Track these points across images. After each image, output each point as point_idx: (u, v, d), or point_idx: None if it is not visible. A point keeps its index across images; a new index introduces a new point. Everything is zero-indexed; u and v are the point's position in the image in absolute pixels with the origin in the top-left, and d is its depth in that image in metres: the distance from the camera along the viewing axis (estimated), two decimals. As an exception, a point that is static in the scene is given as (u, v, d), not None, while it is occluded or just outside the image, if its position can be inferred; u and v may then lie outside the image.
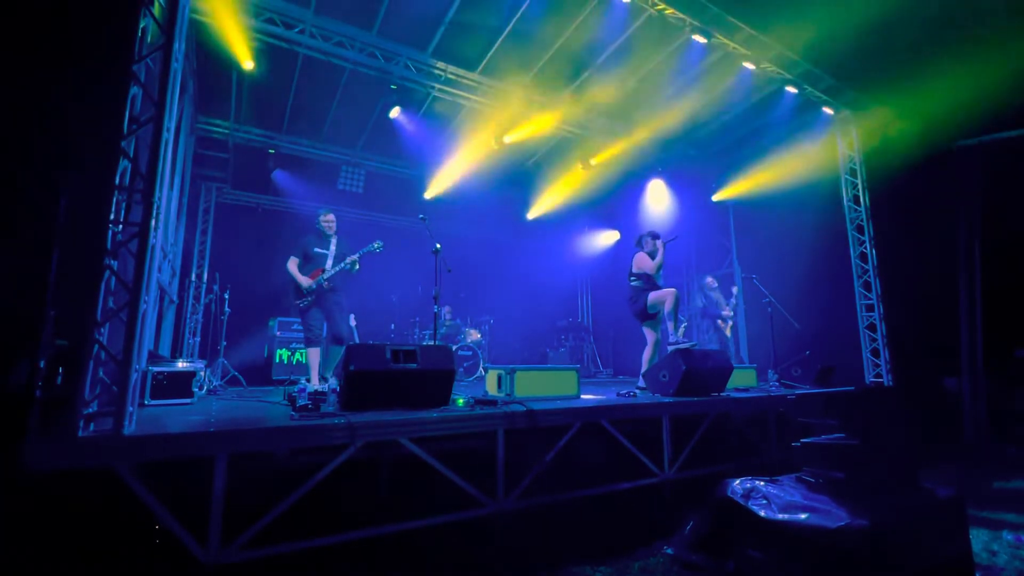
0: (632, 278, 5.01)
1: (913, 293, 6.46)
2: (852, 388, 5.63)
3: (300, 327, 7.20)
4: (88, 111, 2.77)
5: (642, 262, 4.99)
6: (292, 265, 4.76)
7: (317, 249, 4.82)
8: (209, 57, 5.75)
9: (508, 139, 7.43)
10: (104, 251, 2.27)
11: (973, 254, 6.11)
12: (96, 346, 2.19)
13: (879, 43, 5.42)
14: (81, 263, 2.32)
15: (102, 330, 2.23)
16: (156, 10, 2.67)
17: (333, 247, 4.88)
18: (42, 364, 2.48)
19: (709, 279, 7.82)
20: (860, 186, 6.96)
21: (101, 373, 2.26)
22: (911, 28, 5.21)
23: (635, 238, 5.25)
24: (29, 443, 1.89)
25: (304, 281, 4.66)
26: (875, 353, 6.60)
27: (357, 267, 4.81)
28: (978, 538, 3.02)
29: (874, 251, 6.75)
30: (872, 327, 6.65)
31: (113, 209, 2.35)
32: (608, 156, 8.30)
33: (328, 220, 4.97)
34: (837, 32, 5.38)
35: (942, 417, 5.89)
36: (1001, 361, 5.84)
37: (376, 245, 4.88)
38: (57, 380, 2.50)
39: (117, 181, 2.39)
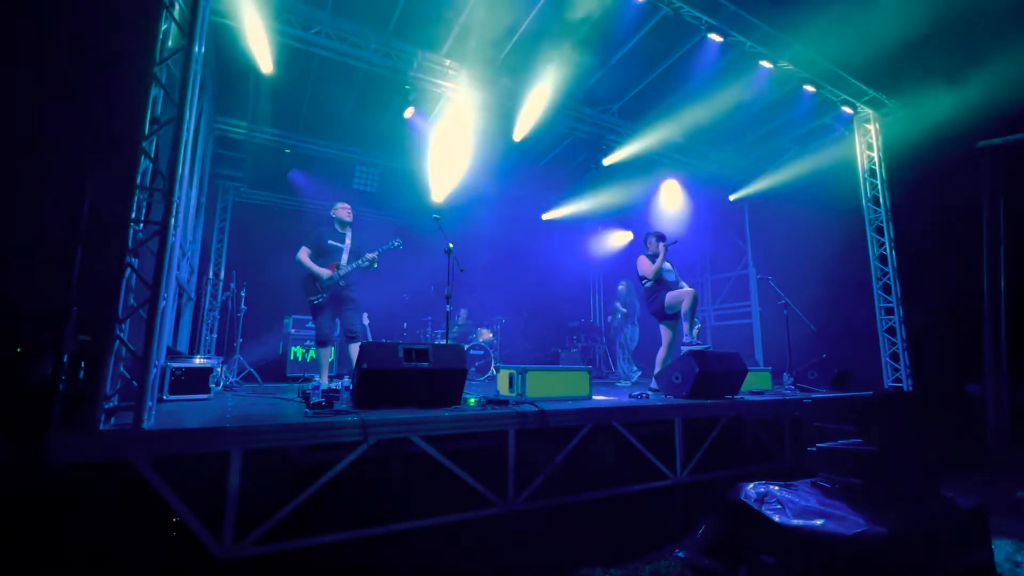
0: (643, 280, 5.01)
1: (934, 296, 6.31)
2: (870, 393, 5.52)
3: (314, 325, 7.36)
4: (111, 112, 2.84)
5: (643, 266, 5.00)
6: (304, 255, 4.59)
7: (331, 241, 4.70)
8: (228, 59, 5.84)
9: (521, 138, 7.42)
10: (126, 249, 2.33)
11: (997, 256, 5.94)
12: (117, 342, 2.24)
13: (900, 41, 5.31)
14: (103, 261, 2.38)
15: (123, 326, 2.28)
16: (177, 13, 2.72)
17: (348, 240, 4.77)
18: (65, 359, 2.54)
19: (623, 285, 7.83)
20: (880, 187, 6.82)
21: (122, 368, 2.31)
22: (932, 25, 5.10)
23: (643, 237, 5.22)
24: (52, 435, 1.94)
25: (322, 271, 4.50)
26: (894, 357, 6.46)
27: (376, 265, 4.71)
28: (1001, 548, 2.94)
29: (894, 253, 6.60)
30: (891, 331, 6.51)
31: (134, 208, 2.40)
32: (622, 155, 8.24)
33: (344, 207, 4.80)
34: (857, 30, 5.28)
35: (964, 424, 5.75)
36: (1026, 367, 5.68)
37: (396, 243, 4.76)
38: (79, 374, 2.57)
39: (138, 181, 2.44)
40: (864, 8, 5.03)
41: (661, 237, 5.07)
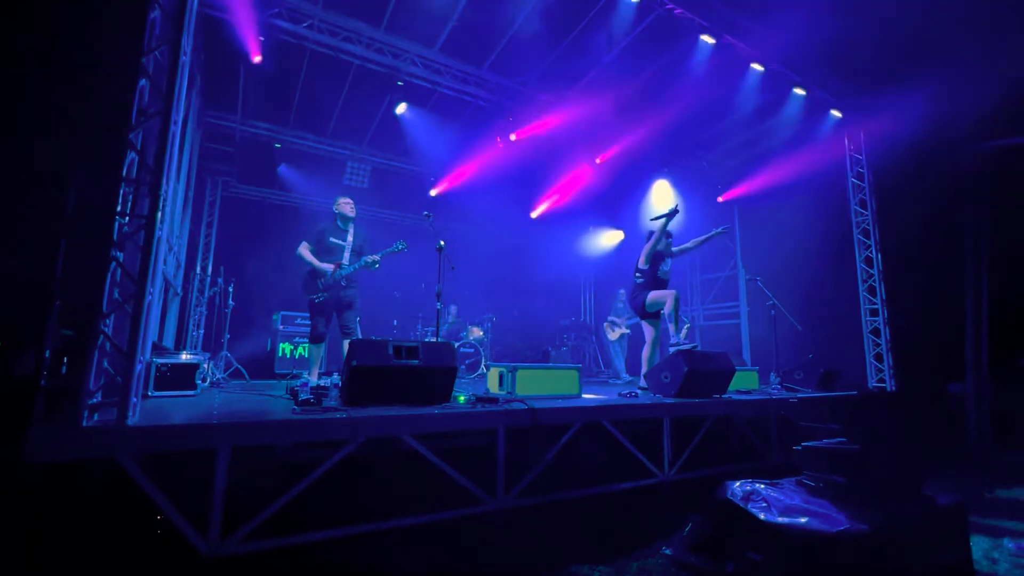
0: (636, 274, 4.97)
1: (918, 298, 6.43)
2: (855, 393, 5.61)
3: (303, 321, 7.29)
4: (97, 103, 2.78)
5: (641, 255, 4.91)
6: (305, 250, 4.57)
7: (333, 239, 4.65)
8: (217, 51, 5.77)
9: (514, 137, 7.42)
10: (111, 242, 2.28)
11: (980, 259, 6.06)
12: (101, 337, 2.20)
13: (888, 46, 5.39)
14: (88, 254, 2.33)
15: (107, 321, 2.24)
16: (165, 3, 2.68)
17: (351, 237, 4.72)
18: (48, 354, 2.50)
19: (622, 291, 8.34)
20: (867, 190, 6.92)
21: (106, 364, 2.27)
22: (920, 31, 5.18)
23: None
24: (34, 432, 1.91)
25: (324, 266, 4.48)
26: (878, 358, 6.57)
27: (377, 266, 4.68)
28: (979, 545, 3.01)
29: (879, 255, 6.71)
30: (876, 332, 6.62)
31: (120, 201, 2.36)
32: (614, 155, 8.28)
33: (347, 202, 4.75)
34: (847, 35, 5.35)
35: (945, 423, 5.87)
36: (1006, 368, 5.81)
37: (400, 245, 4.72)
38: (62, 370, 2.52)
39: (124, 173, 2.40)
40: (856, 14, 5.10)
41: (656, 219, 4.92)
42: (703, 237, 5.12)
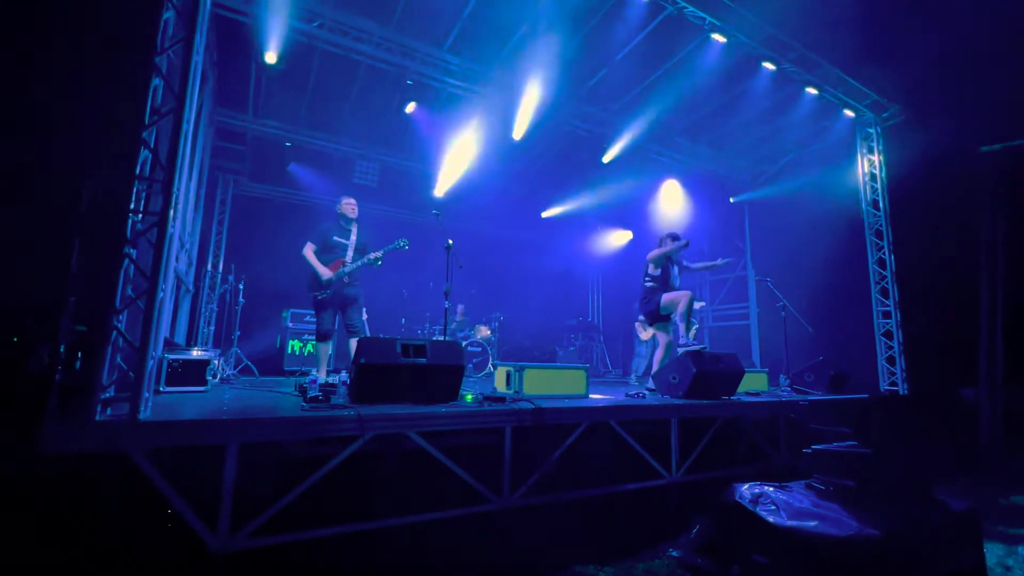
0: (646, 278, 4.96)
1: (931, 301, 6.33)
2: (866, 396, 5.54)
3: (312, 319, 7.34)
4: (111, 102, 2.82)
5: (650, 253, 4.95)
6: (309, 252, 4.62)
7: (336, 238, 4.69)
8: (229, 50, 5.82)
9: (522, 135, 7.41)
10: (124, 240, 2.32)
11: (996, 261, 5.96)
12: (114, 333, 2.23)
13: (903, 47, 5.31)
14: (101, 251, 2.36)
15: (120, 317, 2.27)
16: (179, 2, 2.71)
17: (354, 236, 4.76)
18: (62, 349, 2.54)
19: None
20: (880, 190, 6.83)
21: (119, 359, 2.30)
22: (936, 32, 5.11)
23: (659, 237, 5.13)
24: (48, 425, 1.94)
25: (323, 271, 4.53)
26: (891, 361, 6.48)
27: (380, 263, 4.71)
28: (993, 552, 2.96)
29: (892, 257, 6.62)
30: (888, 334, 6.53)
31: (133, 199, 2.39)
32: (622, 154, 8.23)
33: (349, 203, 4.80)
34: (862, 35, 5.28)
35: (958, 428, 5.78)
36: (1020, 372, 5.70)
37: (402, 243, 4.75)
38: (76, 365, 2.56)
39: (137, 171, 2.43)
40: (870, 16, 5.04)
41: (675, 237, 5.00)
42: (710, 264, 5.27)
